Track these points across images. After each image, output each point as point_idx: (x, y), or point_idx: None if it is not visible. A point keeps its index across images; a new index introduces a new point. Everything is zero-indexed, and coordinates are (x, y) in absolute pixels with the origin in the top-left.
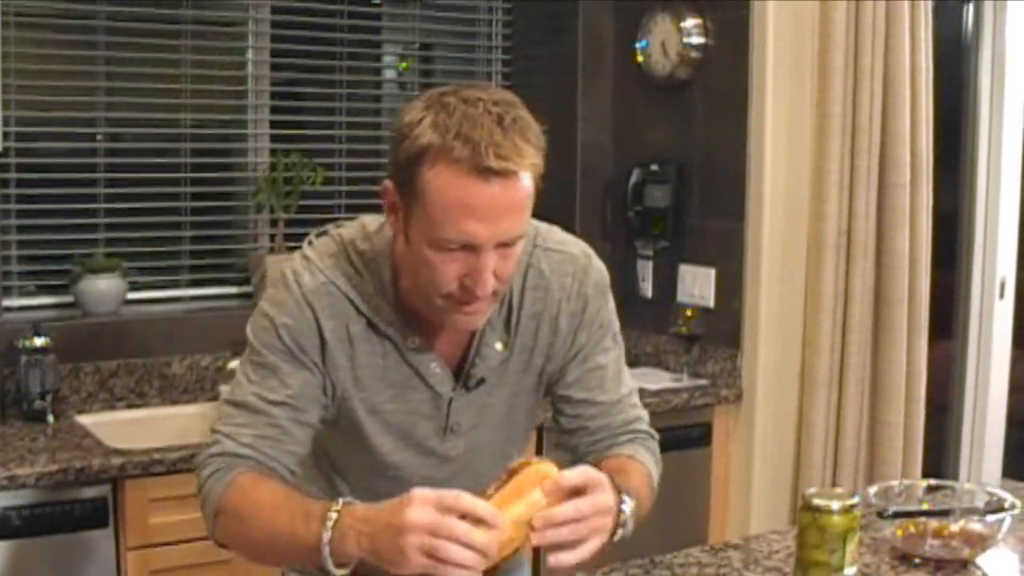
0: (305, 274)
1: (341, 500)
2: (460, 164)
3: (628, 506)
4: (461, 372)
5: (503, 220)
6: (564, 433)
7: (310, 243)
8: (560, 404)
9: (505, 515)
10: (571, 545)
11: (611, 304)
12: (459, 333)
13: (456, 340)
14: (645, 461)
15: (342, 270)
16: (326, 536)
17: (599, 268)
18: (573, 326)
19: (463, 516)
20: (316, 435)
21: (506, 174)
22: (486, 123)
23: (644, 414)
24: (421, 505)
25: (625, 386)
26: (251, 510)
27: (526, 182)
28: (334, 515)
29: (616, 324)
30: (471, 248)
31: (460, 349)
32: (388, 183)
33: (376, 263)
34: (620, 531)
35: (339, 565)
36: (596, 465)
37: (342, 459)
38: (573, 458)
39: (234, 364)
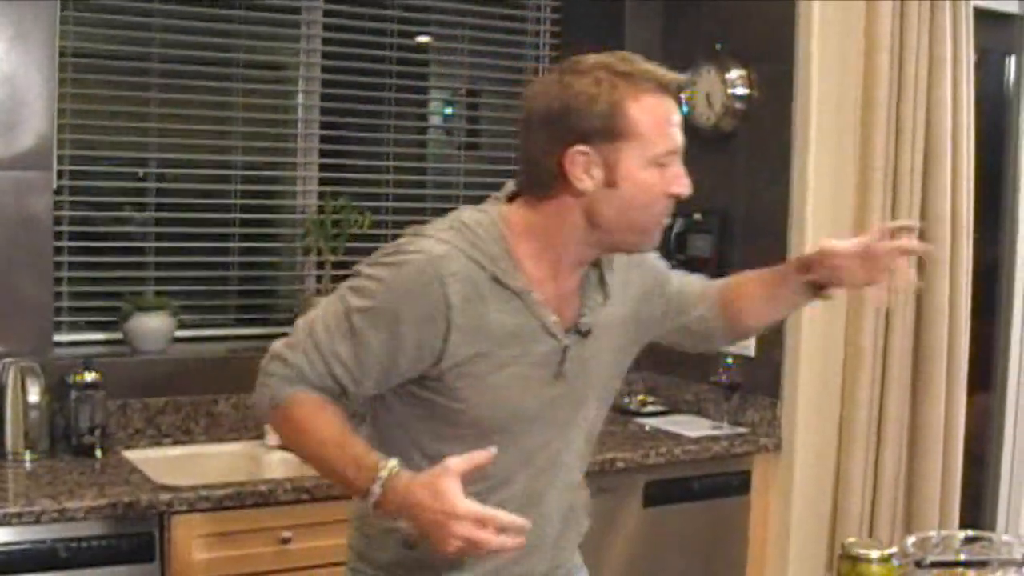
0: (425, 242)
1: (387, 466)
2: (651, 89)
3: None
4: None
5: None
6: (700, 339)
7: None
8: (684, 321)
9: None
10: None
11: None
12: (567, 290)
13: (563, 298)
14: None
15: (463, 236)
16: (372, 498)
17: None
18: (650, 274)
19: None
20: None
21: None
22: (630, 58)
23: None
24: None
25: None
26: (309, 431)
27: None
28: (378, 490)
29: None
30: (674, 156)
31: (568, 308)
32: (574, 150)
33: (495, 228)
34: None
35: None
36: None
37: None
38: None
39: None
